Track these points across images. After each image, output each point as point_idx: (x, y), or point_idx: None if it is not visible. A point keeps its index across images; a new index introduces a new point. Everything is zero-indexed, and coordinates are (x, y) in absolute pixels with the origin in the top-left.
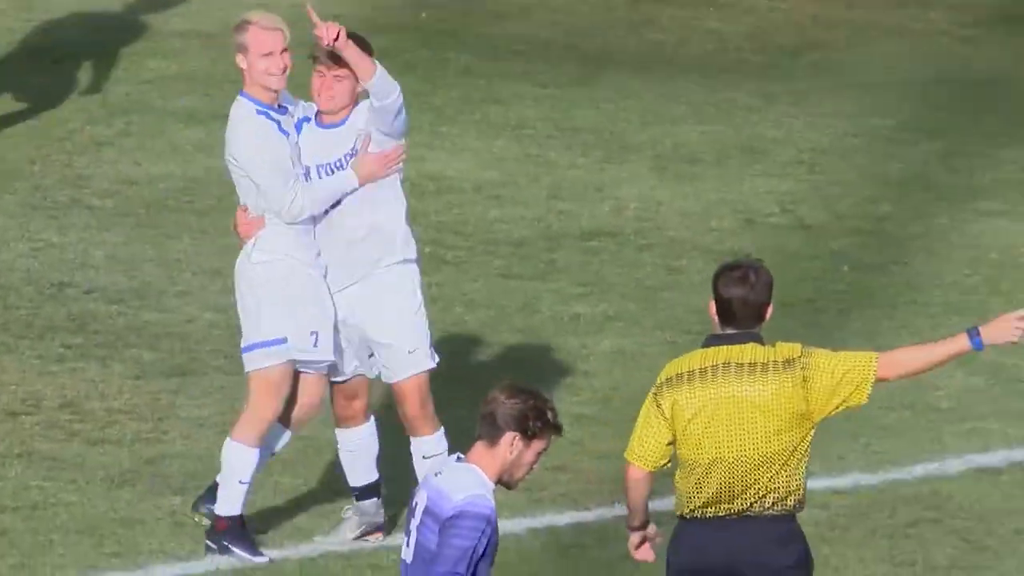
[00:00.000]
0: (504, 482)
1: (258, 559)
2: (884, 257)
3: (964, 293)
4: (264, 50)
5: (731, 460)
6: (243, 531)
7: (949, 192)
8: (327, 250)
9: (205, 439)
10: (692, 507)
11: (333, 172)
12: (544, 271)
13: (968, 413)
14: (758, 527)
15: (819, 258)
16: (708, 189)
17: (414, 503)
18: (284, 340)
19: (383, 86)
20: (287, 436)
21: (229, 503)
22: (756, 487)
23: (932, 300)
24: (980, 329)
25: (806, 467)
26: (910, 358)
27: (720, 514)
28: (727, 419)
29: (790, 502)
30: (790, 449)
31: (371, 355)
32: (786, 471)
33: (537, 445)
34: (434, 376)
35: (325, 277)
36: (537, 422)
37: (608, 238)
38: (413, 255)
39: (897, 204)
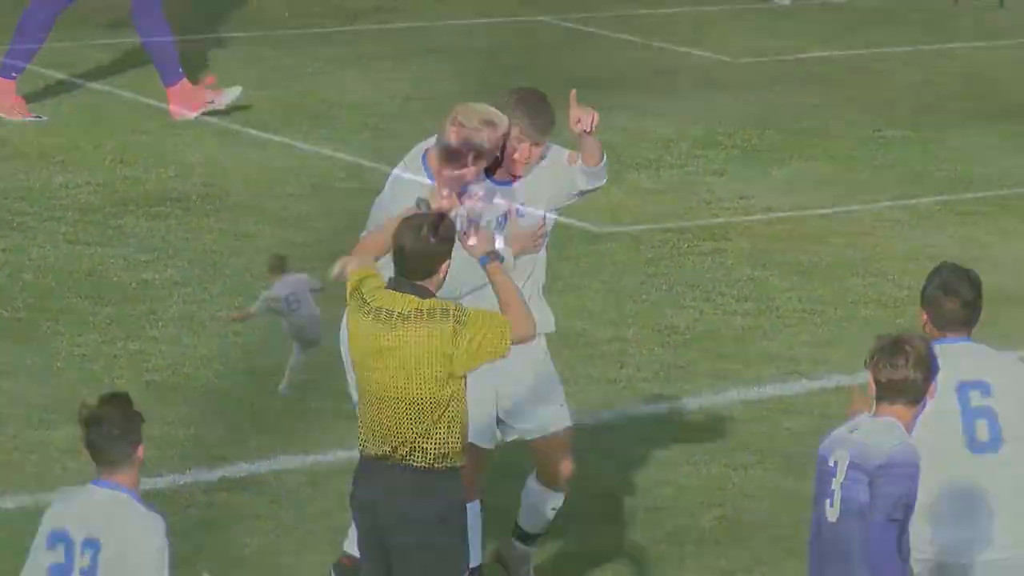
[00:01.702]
0: None
1: None
2: None
3: None
4: None
5: (374, 396)
6: None
7: None
8: None
9: None
10: (360, 438)
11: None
12: (111, 237)
13: None
14: (397, 475)
15: None
16: (274, 155)
17: (830, 463)
18: None
19: (603, 171)
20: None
21: None
22: (398, 433)
23: None
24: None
25: (460, 425)
26: (516, 314)
27: (370, 453)
28: (374, 358)
29: (432, 455)
30: (431, 401)
31: None
32: (427, 424)
33: None
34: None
35: None
36: None
37: (174, 204)
38: None
39: None
